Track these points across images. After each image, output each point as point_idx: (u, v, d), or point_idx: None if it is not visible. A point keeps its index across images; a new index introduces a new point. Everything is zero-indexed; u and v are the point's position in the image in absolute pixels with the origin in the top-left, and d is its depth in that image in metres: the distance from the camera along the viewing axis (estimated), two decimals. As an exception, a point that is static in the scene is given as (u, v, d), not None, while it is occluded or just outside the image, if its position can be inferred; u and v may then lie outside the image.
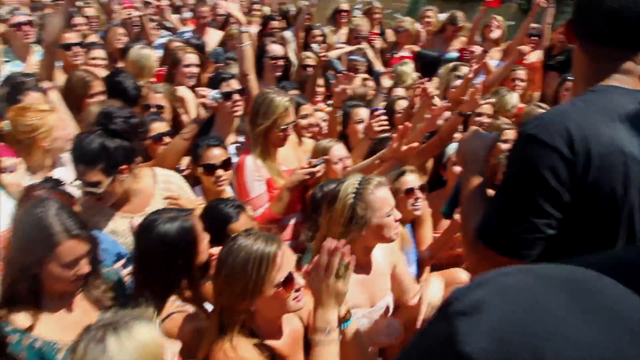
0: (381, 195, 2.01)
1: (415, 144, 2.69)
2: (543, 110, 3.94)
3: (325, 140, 3.09)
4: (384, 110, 3.05)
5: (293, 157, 3.10)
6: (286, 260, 1.63)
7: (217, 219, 2.24)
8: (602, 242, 1.18)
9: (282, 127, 2.81)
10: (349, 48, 5.11)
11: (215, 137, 2.85)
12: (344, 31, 5.99)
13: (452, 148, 3.05)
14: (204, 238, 1.97)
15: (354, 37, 5.49)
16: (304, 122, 3.30)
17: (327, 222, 2.01)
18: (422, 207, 2.74)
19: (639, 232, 1.22)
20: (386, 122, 3.01)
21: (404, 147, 2.67)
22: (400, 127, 2.70)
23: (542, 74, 5.22)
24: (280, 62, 4.04)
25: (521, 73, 4.70)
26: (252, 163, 2.83)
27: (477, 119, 3.64)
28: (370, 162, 2.86)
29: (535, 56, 5.24)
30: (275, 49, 4.02)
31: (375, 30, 6.04)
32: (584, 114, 1.20)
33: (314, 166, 2.76)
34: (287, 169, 2.96)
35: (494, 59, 5.15)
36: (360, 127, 3.44)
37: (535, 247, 1.21)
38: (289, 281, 1.61)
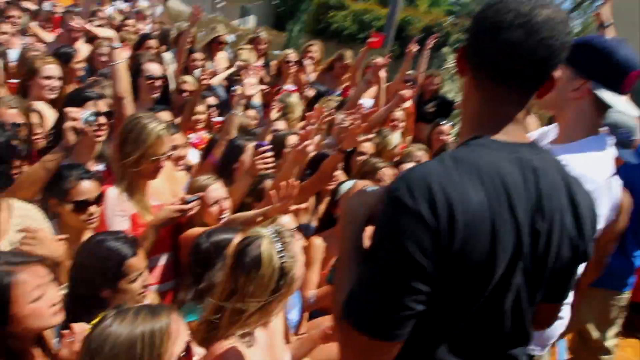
0: (298, 245, 1.86)
1: (295, 183, 2.49)
2: (422, 152, 4.14)
3: (203, 177, 2.80)
4: (270, 146, 2.86)
5: (167, 190, 2.80)
6: (181, 329, 1.39)
7: (108, 257, 1.94)
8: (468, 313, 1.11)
9: (154, 158, 2.50)
10: (227, 72, 4.94)
11: (83, 168, 2.42)
12: (221, 56, 5.88)
13: (345, 186, 2.96)
14: (29, 301, 1.55)
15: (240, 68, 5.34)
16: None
17: (245, 286, 1.76)
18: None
19: (508, 306, 1.16)
20: (272, 159, 2.84)
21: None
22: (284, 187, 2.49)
23: (414, 119, 5.46)
24: (158, 83, 3.72)
25: (400, 114, 4.86)
26: (115, 196, 2.48)
27: (359, 157, 3.66)
28: (252, 216, 2.56)
29: (408, 102, 5.49)
30: (152, 68, 3.68)
31: (260, 62, 5.95)
32: (451, 174, 1.08)
33: (187, 203, 2.49)
34: (159, 203, 2.66)
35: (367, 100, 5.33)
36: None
37: (405, 325, 1.08)
38: (187, 354, 1.37)
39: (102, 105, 2.83)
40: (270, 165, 2.81)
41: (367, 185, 1.51)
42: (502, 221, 1.07)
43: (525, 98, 1.16)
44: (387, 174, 3.27)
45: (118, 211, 2.45)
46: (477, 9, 1.18)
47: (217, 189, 2.69)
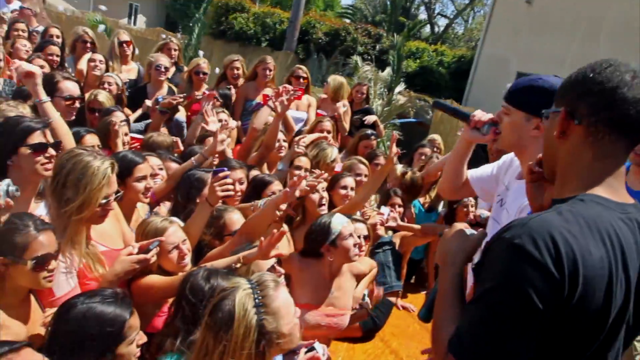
0: (285, 297, 1.62)
1: (285, 230, 2.29)
2: (364, 167, 4.09)
3: (158, 219, 2.42)
4: (228, 172, 2.52)
5: (114, 231, 2.40)
6: None
7: (106, 323, 1.68)
8: None
9: (102, 201, 2.09)
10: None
11: (35, 217, 1.88)
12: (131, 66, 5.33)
13: (338, 222, 2.83)
14: None
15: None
16: (139, 185, 2.60)
17: (215, 348, 1.52)
18: None
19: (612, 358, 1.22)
20: (232, 186, 2.51)
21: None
22: None
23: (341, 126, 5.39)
24: (77, 104, 3.19)
25: (329, 124, 4.77)
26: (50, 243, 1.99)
27: (296, 172, 3.51)
28: (229, 262, 2.23)
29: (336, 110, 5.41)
30: (70, 87, 3.15)
31: (172, 70, 5.45)
32: (572, 228, 1.12)
33: (147, 251, 2.12)
34: (108, 249, 2.25)
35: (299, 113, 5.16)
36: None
37: None
38: None
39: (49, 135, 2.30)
40: (230, 192, 2.49)
41: (465, 227, 1.45)
42: (617, 278, 1.13)
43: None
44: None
45: (62, 268, 1.98)
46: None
47: (175, 232, 2.32)
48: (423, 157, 5.08)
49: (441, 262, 1.40)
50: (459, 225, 1.46)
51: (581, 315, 1.11)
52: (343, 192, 3.56)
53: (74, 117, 3.19)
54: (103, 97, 3.88)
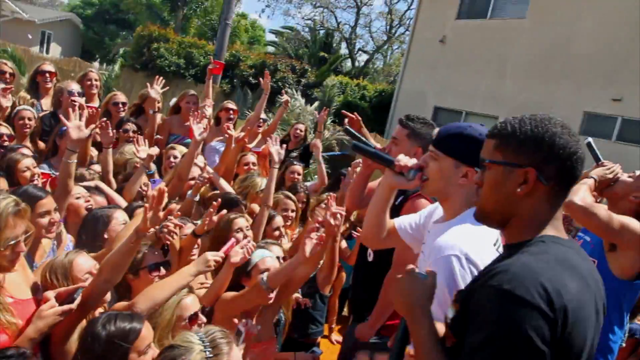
0: (237, 357, 1.58)
1: None
2: (291, 202, 4.07)
3: (62, 255, 2.26)
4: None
5: (20, 279, 2.14)
6: None
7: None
8: None
9: (7, 244, 1.90)
10: None
11: None
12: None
13: (259, 255, 2.78)
14: None
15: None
16: (43, 221, 2.44)
17: None
18: None
19: None
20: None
21: None
22: None
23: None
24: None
25: (252, 158, 4.79)
26: None
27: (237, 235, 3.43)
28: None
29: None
30: None
31: (95, 104, 5.20)
32: (551, 268, 1.23)
33: (72, 300, 1.95)
34: (15, 299, 2.02)
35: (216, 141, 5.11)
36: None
37: None
38: None
39: None
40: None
41: (413, 267, 1.46)
42: (590, 306, 1.24)
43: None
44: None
45: None
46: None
47: (86, 261, 2.21)
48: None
49: (405, 311, 1.40)
50: (408, 267, 1.47)
51: (571, 348, 1.19)
52: (276, 233, 3.53)
53: None
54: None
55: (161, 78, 5.09)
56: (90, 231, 2.74)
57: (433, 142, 1.94)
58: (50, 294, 1.99)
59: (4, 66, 4.78)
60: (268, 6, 39.43)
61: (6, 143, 3.74)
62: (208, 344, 1.58)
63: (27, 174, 3.19)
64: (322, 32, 27.35)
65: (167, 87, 5.11)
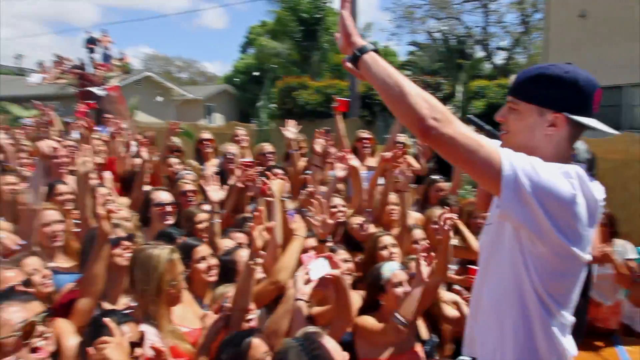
0: (333, 345, 1.79)
1: None
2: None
3: (222, 287, 2.73)
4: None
5: (190, 314, 2.69)
6: None
7: None
8: None
9: (172, 282, 2.43)
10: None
11: (119, 312, 2.27)
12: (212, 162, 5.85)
13: (389, 269, 2.88)
14: None
15: None
16: (201, 266, 2.93)
17: None
18: None
19: None
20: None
21: None
22: None
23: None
24: (169, 209, 3.69)
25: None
26: (152, 334, 2.32)
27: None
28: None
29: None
30: (161, 196, 3.71)
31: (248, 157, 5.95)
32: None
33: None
34: (189, 329, 2.54)
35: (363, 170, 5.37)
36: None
37: None
38: None
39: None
40: None
41: None
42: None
43: None
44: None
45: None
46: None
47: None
48: None
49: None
50: None
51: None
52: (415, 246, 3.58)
53: (170, 222, 3.66)
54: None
55: (293, 121, 5.59)
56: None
57: (510, 90, 1.70)
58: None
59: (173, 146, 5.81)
60: (394, 34, 39.45)
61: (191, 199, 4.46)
62: (305, 340, 1.80)
63: (203, 225, 3.74)
64: (453, 40, 26.82)
65: (300, 127, 5.62)
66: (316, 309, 2.74)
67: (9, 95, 19.11)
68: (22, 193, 3.55)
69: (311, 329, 1.88)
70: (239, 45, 37.72)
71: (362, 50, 1.58)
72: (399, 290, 2.81)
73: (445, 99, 15.79)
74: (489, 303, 1.72)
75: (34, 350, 1.79)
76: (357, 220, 3.92)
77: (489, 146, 1.46)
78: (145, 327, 2.30)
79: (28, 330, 1.77)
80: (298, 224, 2.95)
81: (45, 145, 3.22)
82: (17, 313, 1.76)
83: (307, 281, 2.35)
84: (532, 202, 1.44)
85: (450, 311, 3.20)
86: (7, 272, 2.46)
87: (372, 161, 5.44)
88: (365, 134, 5.61)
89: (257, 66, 30.84)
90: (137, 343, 2.11)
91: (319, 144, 4.90)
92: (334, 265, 2.44)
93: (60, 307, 2.55)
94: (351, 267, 3.25)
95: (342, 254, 3.22)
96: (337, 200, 4.14)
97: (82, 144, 4.34)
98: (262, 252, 2.49)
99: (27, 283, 2.54)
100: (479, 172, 1.47)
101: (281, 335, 2.27)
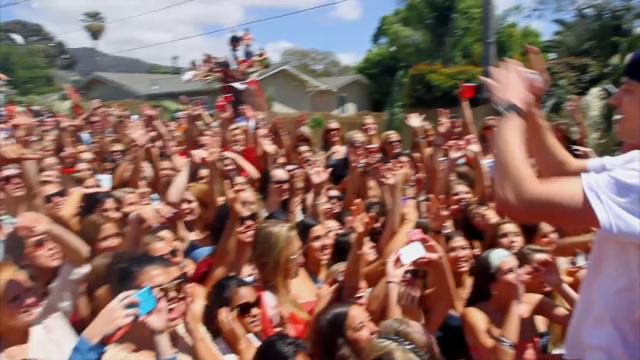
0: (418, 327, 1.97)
1: None
2: None
3: (336, 265, 2.90)
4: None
5: (306, 289, 2.96)
6: None
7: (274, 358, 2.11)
8: None
9: (290, 258, 2.71)
10: None
11: (238, 277, 2.67)
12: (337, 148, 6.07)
13: (497, 256, 2.84)
14: None
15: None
16: (316, 244, 3.17)
17: None
18: None
19: None
20: None
21: None
22: None
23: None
24: (285, 186, 4.02)
25: None
26: (271, 300, 2.66)
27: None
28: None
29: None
30: (278, 173, 4.05)
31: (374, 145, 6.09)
32: None
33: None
34: (304, 301, 2.81)
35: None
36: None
37: None
38: None
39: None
40: None
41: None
42: None
43: None
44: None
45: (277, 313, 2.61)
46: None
47: None
48: None
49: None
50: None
51: None
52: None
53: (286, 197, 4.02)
54: None
55: (416, 113, 5.62)
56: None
57: (625, 70, 1.60)
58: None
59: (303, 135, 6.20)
60: (536, 10, 36.50)
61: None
62: (396, 337, 1.88)
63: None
64: (607, 15, 24.08)
65: (424, 116, 5.63)
66: (428, 291, 2.82)
67: (168, 92, 21.52)
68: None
69: (396, 322, 1.98)
70: (370, 36, 38.01)
71: (510, 108, 1.59)
72: (511, 277, 2.74)
73: (593, 82, 14.37)
74: (599, 305, 1.66)
75: (170, 310, 2.06)
76: (479, 209, 3.87)
77: (570, 194, 1.42)
78: (266, 294, 2.60)
79: (166, 292, 2.05)
80: (409, 209, 3.04)
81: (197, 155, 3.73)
82: (159, 277, 2.06)
83: (399, 264, 2.45)
84: (629, 217, 1.39)
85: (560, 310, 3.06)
86: (157, 243, 2.90)
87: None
88: (493, 121, 5.43)
89: (389, 55, 30.83)
90: (253, 304, 2.41)
91: (443, 125, 4.87)
92: (430, 249, 2.48)
93: (196, 275, 2.95)
94: (469, 254, 3.24)
95: (459, 240, 3.24)
96: (460, 187, 4.12)
97: (215, 135, 4.85)
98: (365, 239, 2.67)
99: (174, 252, 2.98)
100: (575, 222, 1.57)
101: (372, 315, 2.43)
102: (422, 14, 25.02)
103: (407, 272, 2.53)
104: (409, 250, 2.47)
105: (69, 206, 3.66)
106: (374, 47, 35.45)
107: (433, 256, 2.50)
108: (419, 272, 2.72)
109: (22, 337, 2.24)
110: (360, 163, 4.34)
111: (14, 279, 2.20)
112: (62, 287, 2.40)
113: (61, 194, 3.96)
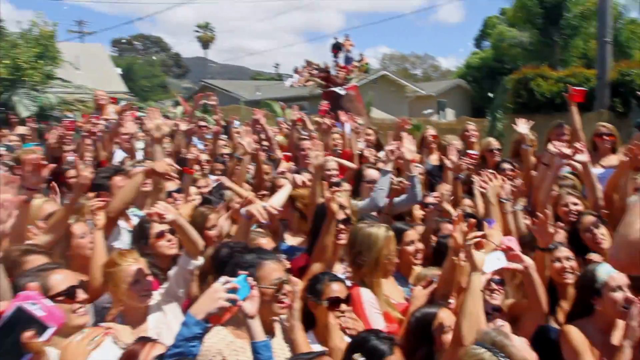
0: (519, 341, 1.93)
1: None
2: None
3: (425, 269, 3.03)
4: None
5: (395, 291, 3.06)
6: None
7: (371, 355, 2.14)
8: None
9: (388, 257, 2.83)
10: None
11: (331, 273, 2.80)
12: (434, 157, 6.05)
13: (605, 271, 2.69)
14: None
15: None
16: (410, 249, 3.24)
17: None
18: None
19: None
20: None
21: None
22: None
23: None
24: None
25: None
26: (368, 296, 2.78)
27: None
28: None
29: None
30: (372, 173, 4.15)
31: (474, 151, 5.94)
32: None
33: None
34: (396, 302, 2.91)
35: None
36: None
37: None
38: None
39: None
40: None
41: None
42: None
43: None
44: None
45: (375, 310, 2.74)
46: None
47: None
48: None
49: None
50: None
51: None
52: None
53: None
54: None
55: (523, 119, 5.37)
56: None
57: None
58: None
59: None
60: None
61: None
62: (492, 346, 1.84)
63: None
64: None
65: (532, 122, 5.38)
66: (508, 302, 2.78)
67: (271, 97, 22.51)
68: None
69: (496, 332, 1.95)
70: (473, 39, 36.82)
71: None
72: (618, 295, 2.60)
73: None
74: None
75: (280, 302, 2.31)
76: (595, 227, 3.63)
77: None
78: (364, 291, 2.73)
79: (279, 287, 2.28)
80: (493, 231, 2.92)
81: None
82: (275, 272, 2.29)
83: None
84: None
85: None
86: (262, 239, 3.14)
87: (612, 159, 4.90)
88: (605, 128, 5.09)
89: (493, 58, 29.68)
90: (343, 300, 2.52)
91: (553, 145, 4.63)
92: (514, 258, 2.45)
93: (294, 271, 3.13)
94: (574, 265, 3.11)
95: (564, 251, 3.12)
96: (571, 199, 3.92)
97: (316, 140, 5.03)
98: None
99: (277, 249, 3.20)
100: None
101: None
102: (532, 12, 23.73)
103: (490, 280, 2.54)
104: (491, 259, 2.46)
105: (187, 207, 4.03)
106: (474, 52, 34.34)
107: (517, 266, 2.48)
108: (503, 281, 2.70)
109: (141, 317, 2.57)
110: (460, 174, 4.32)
111: (136, 265, 2.54)
112: (179, 276, 2.68)
113: (179, 191, 4.39)
